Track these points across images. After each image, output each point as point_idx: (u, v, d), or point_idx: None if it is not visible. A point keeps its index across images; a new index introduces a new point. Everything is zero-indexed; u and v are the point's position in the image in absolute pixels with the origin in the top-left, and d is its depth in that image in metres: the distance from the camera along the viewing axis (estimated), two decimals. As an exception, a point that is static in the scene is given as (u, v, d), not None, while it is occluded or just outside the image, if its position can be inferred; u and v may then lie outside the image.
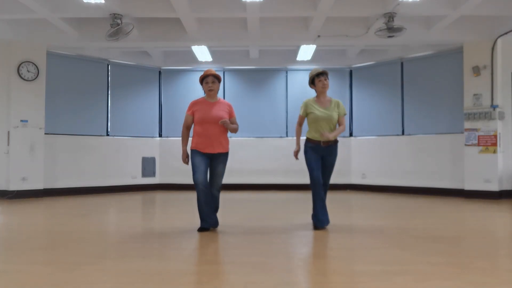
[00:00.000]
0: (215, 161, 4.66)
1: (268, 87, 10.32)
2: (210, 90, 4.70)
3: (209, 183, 4.65)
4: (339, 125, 4.85)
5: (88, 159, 9.02)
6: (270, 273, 3.03)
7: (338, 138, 4.88)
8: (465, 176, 8.07)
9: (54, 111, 8.64)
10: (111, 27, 7.08)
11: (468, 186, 8.01)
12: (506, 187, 7.86)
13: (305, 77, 10.31)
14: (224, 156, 4.69)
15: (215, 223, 4.73)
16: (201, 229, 4.63)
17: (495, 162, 7.74)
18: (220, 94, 9.86)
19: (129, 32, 7.18)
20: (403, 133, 9.26)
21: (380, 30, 7.14)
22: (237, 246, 3.95)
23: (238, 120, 4.94)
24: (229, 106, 4.81)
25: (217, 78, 4.74)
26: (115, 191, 9.26)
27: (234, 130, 4.75)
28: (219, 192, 4.77)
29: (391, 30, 7.04)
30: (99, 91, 9.38)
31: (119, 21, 7.15)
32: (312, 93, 4.97)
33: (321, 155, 4.79)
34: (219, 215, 4.80)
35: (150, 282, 2.81)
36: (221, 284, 2.83)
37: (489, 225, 5.37)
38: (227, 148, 4.72)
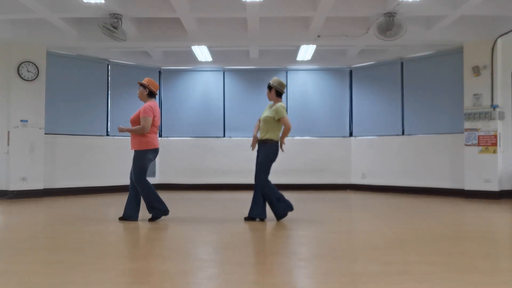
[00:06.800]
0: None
1: (268, 87, 10.30)
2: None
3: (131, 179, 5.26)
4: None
5: (88, 159, 9.01)
6: (270, 273, 3.04)
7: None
8: (465, 176, 8.06)
9: (54, 111, 8.64)
10: (110, 24, 7.10)
11: (468, 186, 8.01)
12: (506, 187, 7.86)
13: (305, 77, 10.42)
14: (134, 153, 5.21)
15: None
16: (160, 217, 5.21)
17: (495, 162, 7.74)
18: (220, 94, 10.12)
19: (121, 35, 7.20)
20: (403, 133, 9.26)
21: (383, 35, 7.14)
22: (237, 246, 3.95)
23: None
24: (142, 107, 5.19)
25: (141, 85, 5.28)
26: (115, 191, 9.25)
27: (131, 131, 5.11)
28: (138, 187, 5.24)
29: (390, 27, 7.03)
30: (99, 91, 9.37)
31: (119, 21, 7.16)
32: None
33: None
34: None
35: (150, 282, 2.81)
36: (221, 284, 2.83)
37: (489, 225, 5.37)
38: (136, 147, 5.17)
